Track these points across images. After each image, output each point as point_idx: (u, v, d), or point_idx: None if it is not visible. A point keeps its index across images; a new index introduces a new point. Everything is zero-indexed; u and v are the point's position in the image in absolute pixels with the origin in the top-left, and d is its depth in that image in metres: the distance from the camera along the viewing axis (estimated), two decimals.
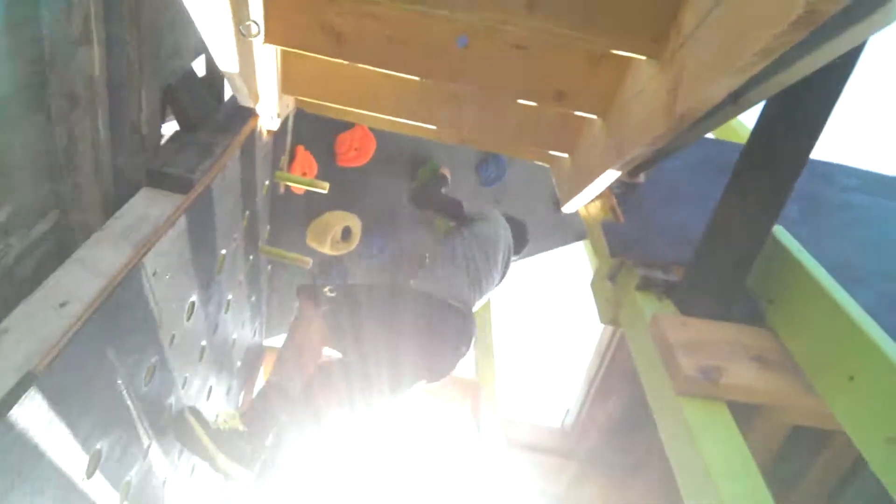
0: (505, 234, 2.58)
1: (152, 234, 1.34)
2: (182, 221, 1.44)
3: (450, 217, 2.60)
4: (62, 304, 1.11)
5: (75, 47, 1.25)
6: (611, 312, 1.76)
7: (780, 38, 0.86)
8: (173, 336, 1.58)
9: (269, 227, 2.50)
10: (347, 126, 2.69)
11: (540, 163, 2.45)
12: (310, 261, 2.37)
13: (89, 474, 1.23)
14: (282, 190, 2.55)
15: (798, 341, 1.41)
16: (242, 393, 2.67)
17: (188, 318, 1.68)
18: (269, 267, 2.72)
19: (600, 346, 2.74)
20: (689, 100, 1.22)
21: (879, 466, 1.11)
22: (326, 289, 2.07)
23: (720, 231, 1.55)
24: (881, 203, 2.14)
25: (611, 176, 1.74)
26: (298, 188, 2.51)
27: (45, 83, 1.26)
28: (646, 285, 1.64)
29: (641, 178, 2.10)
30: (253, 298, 2.51)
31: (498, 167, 3.34)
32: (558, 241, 3.55)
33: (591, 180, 1.86)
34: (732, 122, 3.00)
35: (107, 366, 1.21)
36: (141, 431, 1.48)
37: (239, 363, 2.50)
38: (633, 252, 1.72)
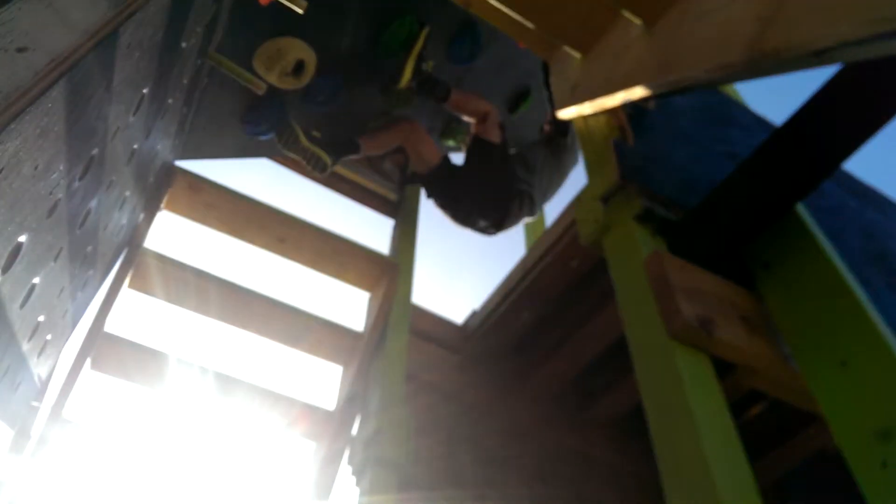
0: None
1: None
2: None
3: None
4: (19, 49, 0.82)
5: None
6: (595, 235, 1.67)
7: None
8: (117, 129, 1.29)
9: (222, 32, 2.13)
10: None
11: (540, 55, 2.25)
12: (264, 86, 2.05)
13: (5, 269, 0.98)
14: None
15: (788, 313, 1.40)
16: (143, 215, 2.34)
17: (134, 113, 1.38)
18: (206, 80, 2.35)
19: (526, 262, 2.68)
20: (787, 38, 1.07)
21: (858, 462, 1.11)
22: None
23: (740, 192, 1.48)
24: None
25: (640, 93, 1.60)
26: None
27: None
28: (646, 218, 1.56)
29: (651, 104, 1.98)
30: (185, 110, 2.17)
31: (473, 46, 3.07)
32: None
33: (612, 92, 1.71)
34: None
35: (54, 144, 0.94)
36: (60, 233, 1.22)
37: (152, 179, 2.18)
38: (643, 180, 1.61)
